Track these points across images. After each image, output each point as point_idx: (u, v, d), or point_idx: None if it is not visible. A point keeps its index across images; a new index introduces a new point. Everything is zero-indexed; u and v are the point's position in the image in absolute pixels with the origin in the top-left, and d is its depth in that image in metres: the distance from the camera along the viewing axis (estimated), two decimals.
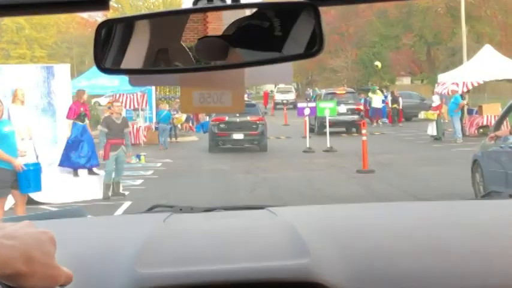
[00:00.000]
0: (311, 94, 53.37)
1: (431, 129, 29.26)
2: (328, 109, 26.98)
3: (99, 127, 16.70)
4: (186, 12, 1.78)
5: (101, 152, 16.30)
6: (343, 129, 34.65)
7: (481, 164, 13.76)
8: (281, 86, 71.31)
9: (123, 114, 17.84)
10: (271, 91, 71.01)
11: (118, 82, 30.95)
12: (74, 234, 2.38)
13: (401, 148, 26.48)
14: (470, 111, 30.49)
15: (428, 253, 2.04)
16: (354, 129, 34.50)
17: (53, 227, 1.77)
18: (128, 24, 1.77)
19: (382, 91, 43.99)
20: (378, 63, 45.64)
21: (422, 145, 27.98)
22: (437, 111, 28.94)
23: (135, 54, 1.75)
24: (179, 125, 35.94)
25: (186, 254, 2.09)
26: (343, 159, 23.51)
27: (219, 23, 1.77)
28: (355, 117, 34.38)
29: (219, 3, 1.65)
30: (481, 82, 30.01)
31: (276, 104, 60.89)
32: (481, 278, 1.91)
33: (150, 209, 3.18)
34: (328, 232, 2.26)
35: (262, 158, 25.21)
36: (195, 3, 1.65)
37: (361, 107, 36.73)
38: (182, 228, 2.55)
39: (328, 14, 57.89)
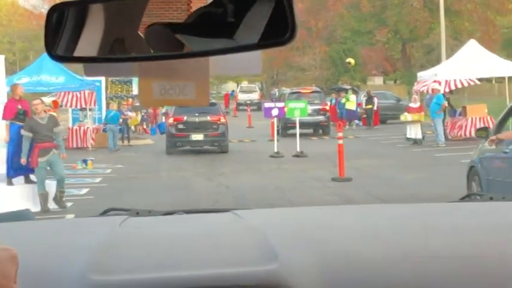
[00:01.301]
0: (276, 94, 52.54)
1: (411, 132, 28.38)
2: (298, 110, 26.02)
3: (22, 132, 15.25)
4: None
5: (23, 160, 14.97)
6: (308, 130, 34.05)
7: (479, 171, 12.84)
8: (244, 85, 70.55)
9: (70, 112, 16.57)
10: (233, 91, 70.05)
11: (63, 79, 29.71)
12: (20, 239, 2.27)
13: (379, 153, 25.56)
14: (453, 113, 29.69)
15: (403, 257, 2.06)
16: (320, 131, 34.34)
17: None
18: (82, 8, 1.71)
19: (355, 91, 43.12)
20: (351, 60, 44.85)
21: (402, 149, 27.12)
22: (421, 113, 28.08)
23: (90, 41, 1.72)
24: (132, 127, 34.71)
25: (144, 260, 2.08)
26: (315, 165, 22.54)
27: (183, 7, 1.79)
28: (321, 118, 34.25)
29: None
30: (466, 81, 29.13)
31: (238, 104, 59.96)
32: (458, 282, 1.97)
33: (105, 213, 3.11)
34: (297, 236, 2.27)
35: (225, 163, 24.18)
36: None
37: (327, 107, 36.37)
38: (140, 232, 2.53)
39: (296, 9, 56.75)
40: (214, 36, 1.68)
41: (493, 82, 53.12)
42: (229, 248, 2.18)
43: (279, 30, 1.61)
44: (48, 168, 15.22)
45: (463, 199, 3.25)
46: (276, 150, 25.75)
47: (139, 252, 2.18)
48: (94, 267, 1.97)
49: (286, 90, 41.72)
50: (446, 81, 28.63)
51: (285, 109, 26.14)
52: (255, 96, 64.25)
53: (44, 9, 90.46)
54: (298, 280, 1.90)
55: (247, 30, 1.65)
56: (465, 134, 28.50)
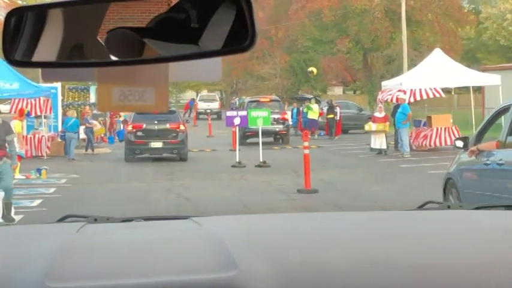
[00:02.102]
0: (237, 103, 51.83)
1: (375, 142, 27.63)
2: (261, 118, 25.17)
3: None
4: (107, 0, 1.70)
5: None
6: (268, 139, 33.31)
7: (457, 183, 12.05)
8: (204, 93, 69.74)
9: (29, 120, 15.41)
10: (193, 99, 69.12)
11: (18, 85, 28.52)
12: None
13: (344, 164, 24.76)
14: (417, 123, 29.00)
15: (361, 265, 2.05)
16: (280, 140, 34.15)
17: None
18: (41, 12, 1.70)
19: (318, 101, 42.38)
20: (313, 69, 44.06)
21: (367, 160, 26.35)
22: (387, 123, 27.34)
23: (49, 46, 1.70)
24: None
25: (101, 266, 2.05)
26: (279, 176, 21.65)
27: (144, 13, 1.71)
28: (281, 126, 33.84)
29: None
30: (431, 91, 28.41)
31: (198, 113, 59.00)
32: None
33: (62, 219, 3.07)
34: (256, 243, 2.27)
35: (185, 173, 23.24)
36: None
37: (287, 116, 35.89)
38: (97, 239, 2.51)
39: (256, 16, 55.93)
40: (174, 41, 1.65)
41: (452, 93, 52.84)
42: (187, 256, 2.15)
43: (239, 37, 1.59)
44: None
45: (421, 207, 3.20)
46: (237, 159, 24.82)
47: (97, 259, 2.13)
48: (50, 274, 1.91)
49: (247, 99, 41.00)
50: (411, 90, 27.91)
51: (247, 118, 25.25)
52: (215, 105, 63.35)
53: (1, 16, 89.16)
54: (257, 287, 1.88)
55: (208, 37, 1.63)
56: (430, 144, 27.88)
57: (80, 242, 2.42)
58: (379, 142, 27.49)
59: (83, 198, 17.43)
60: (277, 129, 33.53)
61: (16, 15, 1.65)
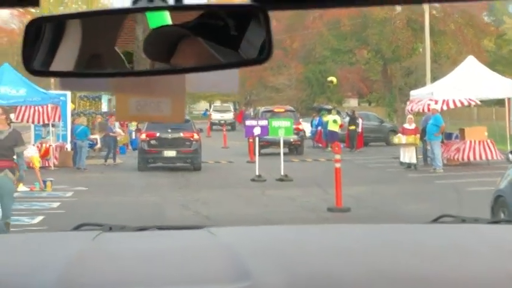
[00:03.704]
0: (252, 114, 50.23)
1: (405, 156, 25.55)
2: (282, 129, 23.16)
3: None
4: (125, 12, 1.69)
5: None
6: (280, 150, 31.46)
7: (509, 201, 10.45)
8: (218, 104, 68.11)
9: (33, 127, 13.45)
10: (206, 110, 67.24)
11: (25, 91, 26.69)
12: None
13: (371, 178, 22.68)
14: (448, 135, 26.83)
15: (375, 278, 2.04)
16: (294, 151, 32.75)
17: None
18: (59, 23, 1.71)
19: (338, 112, 40.36)
20: (333, 79, 42.09)
21: (396, 174, 24.28)
22: (417, 135, 25.28)
23: (67, 56, 1.68)
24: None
25: (116, 275, 2.07)
26: (303, 191, 19.68)
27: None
28: (295, 137, 32.18)
29: (161, 4, 1.61)
30: (466, 100, 26.34)
31: (212, 124, 57.17)
32: None
33: (77, 227, 3.09)
34: (270, 254, 2.27)
35: (201, 186, 21.35)
36: (134, 2, 1.60)
37: (301, 127, 34.52)
38: (113, 248, 2.51)
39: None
40: (200, 53, 1.63)
41: (472, 105, 50.77)
42: (201, 266, 2.15)
43: (255, 49, 1.58)
44: None
45: (435, 220, 3.14)
46: (257, 173, 22.83)
47: (112, 267, 2.14)
48: (66, 282, 1.93)
49: (261, 109, 39.28)
50: (443, 100, 25.80)
51: (268, 128, 23.29)
52: (229, 115, 61.68)
53: (15, 25, 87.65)
54: None
55: (224, 49, 1.61)
56: (463, 158, 25.78)
57: (95, 250, 2.43)
58: (408, 156, 25.41)
59: (88, 215, 15.38)
60: (291, 140, 31.75)
61: (36, 25, 1.61)
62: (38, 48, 1.66)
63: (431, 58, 46.03)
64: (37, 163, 21.77)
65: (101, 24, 1.76)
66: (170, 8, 1.64)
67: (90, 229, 2.98)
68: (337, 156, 16.50)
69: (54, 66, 1.69)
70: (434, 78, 38.05)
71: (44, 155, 23.49)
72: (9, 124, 12.56)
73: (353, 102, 77.20)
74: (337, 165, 16.20)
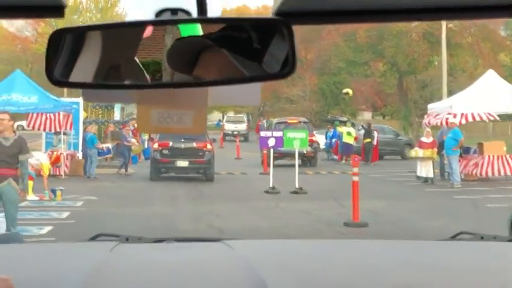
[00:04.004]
0: (265, 125, 49.87)
1: (421, 170, 25.01)
2: (298, 140, 22.68)
3: None
4: (149, 24, 1.70)
5: None
6: (292, 161, 31.03)
7: None
8: (231, 115, 67.66)
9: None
10: (219, 121, 66.80)
11: (36, 98, 26.32)
12: (9, 262, 2.24)
13: (389, 193, 22.16)
14: (466, 150, 26.25)
15: None
16: (308, 163, 32.20)
17: None
18: (84, 34, 1.70)
19: (353, 124, 39.86)
20: (349, 91, 41.61)
21: (413, 189, 23.75)
22: (434, 149, 24.75)
23: (90, 67, 1.68)
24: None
25: (135, 287, 2.07)
26: (318, 204, 19.18)
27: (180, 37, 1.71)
28: (308, 148, 31.19)
29: (185, 17, 1.61)
30: (485, 115, 25.78)
31: (225, 134, 56.72)
32: None
33: (94, 238, 3.04)
34: (288, 269, 2.25)
35: (214, 197, 20.87)
36: (158, 15, 1.61)
37: (315, 138, 34.00)
38: (131, 259, 2.50)
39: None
40: (223, 66, 1.61)
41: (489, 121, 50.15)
42: (219, 279, 2.12)
43: (278, 63, 1.57)
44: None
45: (454, 237, 3.07)
46: (271, 185, 22.35)
47: (131, 279, 2.12)
48: None
49: (274, 121, 38.95)
50: (462, 114, 25.26)
51: (283, 139, 22.83)
52: (242, 126, 61.10)
53: (28, 32, 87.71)
54: None
55: (247, 62, 1.61)
56: (481, 174, 25.21)
57: (113, 262, 2.42)
58: (425, 170, 24.86)
59: (99, 226, 14.93)
60: (305, 152, 30.97)
61: (60, 35, 1.60)
62: (61, 59, 1.65)
63: (447, 71, 45.57)
64: (46, 171, 21.40)
65: (126, 35, 1.75)
66: (194, 21, 1.63)
67: (106, 239, 2.97)
68: (355, 170, 16.04)
69: (77, 78, 1.68)
70: (449, 92, 37.57)
71: (55, 162, 23.06)
72: (14, 131, 12.13)
73: (367, 115, 76.67)
74: (355, 178, 15.73)
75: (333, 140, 38.20)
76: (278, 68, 1.59)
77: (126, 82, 1.79)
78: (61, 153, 27.12)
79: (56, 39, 1.62)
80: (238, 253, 2.52)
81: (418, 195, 21.89)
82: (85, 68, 1.69)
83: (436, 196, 21.54)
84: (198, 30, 1.68)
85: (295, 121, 35.81)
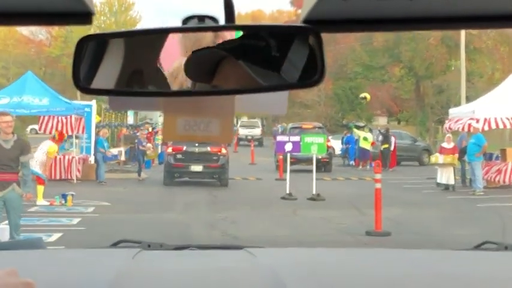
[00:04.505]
0: (279, 130, 49.30)
1: (442, 177, 24.27)
2: (315, 145, 22.03)
3: None
4: (177, 31, 1.67)
5: None
6: (308, 167, 30.23)
7: None
8: (245, 119, 67.03)
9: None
10: (233, 125, 66.19)
11: (48, 101, 25.79)
12: (31, 268, 2.16)
13: (409, 200, 21.46)
14: (488, 156, 25.45)
15: None
16: (322, 169, 31.25)
17: (7, 258, 1.82)
18: (112, 40, 1.68)
19: (370, 129, 39.17)
20: (367, 95, 40.86)
21: (434, 196, 23.02)
22: (455, 154, 24.01)
23: (117, 75, 1.66)
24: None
25: None
26: (338, 212, 18.52)
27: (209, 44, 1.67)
28: (323, 154, 30.44)
29: (212, 24, 1.58)
30: (509, 120, 24.96)
31: (239, 139, 56.10)
32: None
33: (116, 244, 3.06)
34: (310, 276, 2.25)
35: (229, 203, 20.26)
36: (185, 22, 1.59)
37: (330, 144, 33.05)
38: (154, 266, 2.49)
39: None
40: (251, 74, 1.57)
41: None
42: (242, 287, 2.11)
43: (297, 71, 1.55)
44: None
45: (477, 247, 3.06)
46: (288, 191, 21.70)
47: (154, 286, 2.12)
48: None
49: (289, 126, 38.40)
50: (485, 119, 24.49)
51: (300, 144, 22.18)
52: (257, 131, 60.50)
53: (42, 35, 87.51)
54: None
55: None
56: (504, 181, 24.42)
57: (136, 269, 2.40)
58: (446, 176, 24.11)
59: (110, 234, 14.36)
60: (320, 157, 30.34)
61: (88, 42, 1.57)
62: (90, 65, 1.61)
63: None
64: (53, 151, 20.88)
65: (151, 43, 1.70)
66: (221, 29, 1.60)
67: (128, 246, 2.95)
68: (378, 176, 15.32)
69: (105, 84, 1.64)
70: (467, 97, 36.91)
71: (60, 140, 22.25)
72: (13, 132, 11.52)
73: (382, 121, 75.93)
74: (378, 185, 15.04)
75: (349, 146, 37.55)
76: (297, 77, 1.54)
77: (155, 89, 1.75)
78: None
79: (84, 45, 1.59)
80: (261, 261, 2.49)
81: (439, 202, 21.17)
82: (111, 74, 1.65)
83: (459, 204, 20.80)
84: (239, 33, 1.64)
85: (310, 126, 35.42)
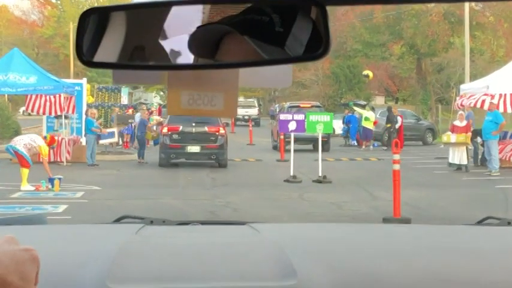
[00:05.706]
0: (277, 110, 47.89)
1: (454, 156, 22.61)
2: (321, 124, 20.40)
3: None
4: (184, 3, 1.60)
5: None
6: (307, 146, 29.88)
7: None
8: (241, 99, 65.53)
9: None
10: None
11: (35, 79, 24.06)
12: (33, 243, 1.74)
13: (422, 181, 19.84)
14: (503, 134, 23.72)
15: (422, 278, 1.98)
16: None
17: (10, 234, 1.69)
18: (116, 13, 1.61)
19: (372, 108, 37.57)
20: (369, 73, 39.24)
21: (447, 177, 21.40)
22: (468, 133, 22.37)
23: (122, 47, 1.59)
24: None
25: (162, 270, 2.01)
26: (347, 195, 16.96)
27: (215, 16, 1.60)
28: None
29: None
30: None
31: (236, 119, 54.52)
32: None
33: (118, 220, 3.05)
34: (315, 252, 2.21)
35: (230, 187, 18.77)
36: None
37: None
38: (157, 241, 2.46)
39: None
40: (256, 47, 1.50)
41: None
42: (246, 262, 2.08)
43: (301, 45, 1.49)
44: None
45: (480, 222, 3.04)
46: (292, 173, 20.05)
47: (157, 262, 2.07)
48: (112, 274, 1.88)
49: (286, 105, 36.93)
50: (500, 95, 22.78)
51: (305, 123, 20.56)
52: (253, 111, 59.08)
53: (35, 16, 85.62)
54: None
55: (293, 43, 1.51)
56: None
57: (139, 244, 2.36)
58: (458, 156, 22.44)
59: (100, 220, 12.73)
60: (317, 136, 29.02)
61: (92, 15, 1.52)
62: (93, 39, 1.53)
63: (463, 54, 43.22)
64: (45, 152, 18.94)
65: (158, 16, 1.59)
66: (223, 1, 1.56)
67: (131, 222, 2.95)
68: (396, 157, 13.66)
69: (109, 58, 1.56)
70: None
71: (50, 144, 20.47)
72: None
73: (379, 100, 74.43)
74: (396, 166, 13.41)
75: (350, 125, 35.96)
76: (301, 51, 1.46)
77: (155, 62, 1.65)
78: (62, 139, 24.83)
79: (88, 18, 1.52)
80: (264, 236, 2.44)
81: (454, 184, 19.57)
82: (114, 48, 1.57)
83: (476, 185, 19.18)
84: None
85: (307, 105, 34.33)
